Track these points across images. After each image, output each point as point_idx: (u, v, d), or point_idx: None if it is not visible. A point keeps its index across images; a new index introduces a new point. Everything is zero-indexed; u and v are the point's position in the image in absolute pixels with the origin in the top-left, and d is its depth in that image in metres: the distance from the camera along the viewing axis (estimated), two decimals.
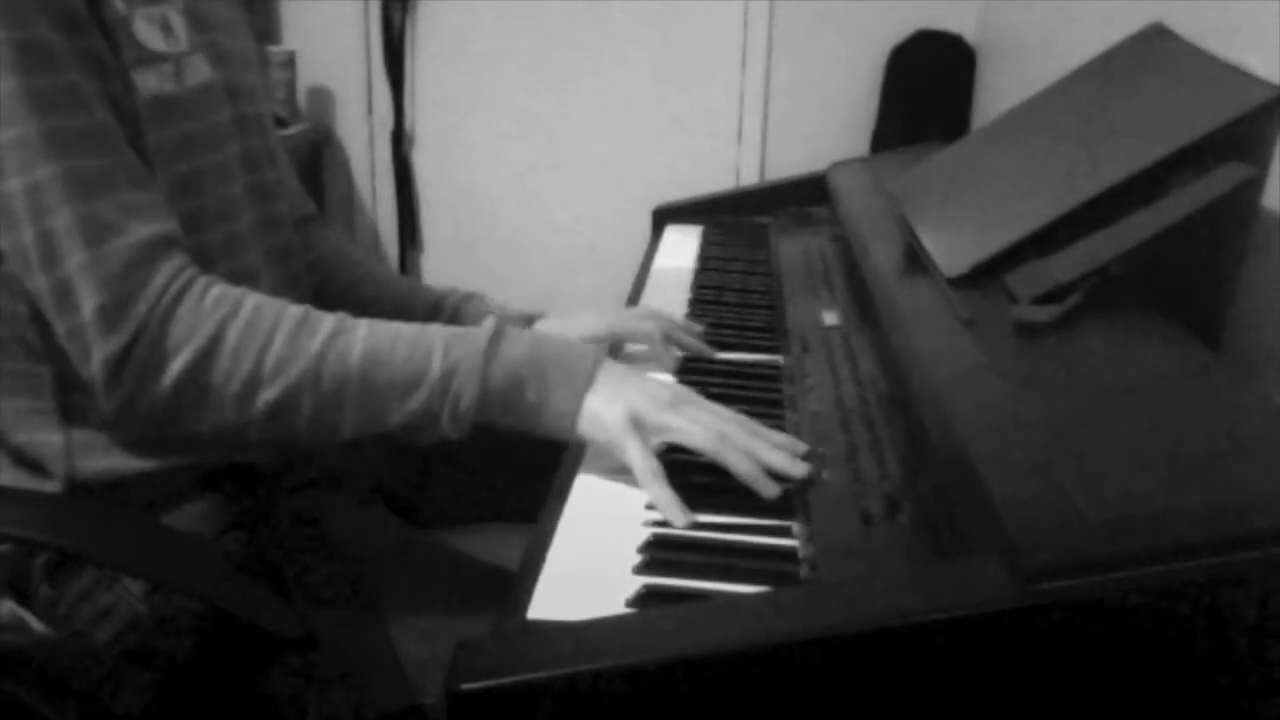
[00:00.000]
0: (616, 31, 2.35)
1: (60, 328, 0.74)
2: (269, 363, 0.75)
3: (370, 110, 2.43)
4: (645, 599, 0.64)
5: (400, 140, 2.43)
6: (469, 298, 1.08)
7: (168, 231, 0.76)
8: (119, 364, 0.73)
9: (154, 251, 0.74)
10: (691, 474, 0.76)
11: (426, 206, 2.51)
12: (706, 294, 1.23)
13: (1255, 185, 0.81)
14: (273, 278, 0.93)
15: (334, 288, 1.07)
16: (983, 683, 0.52)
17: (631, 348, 1.04)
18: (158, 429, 0.77)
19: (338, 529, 0.89)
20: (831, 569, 0.65)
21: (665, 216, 1.58)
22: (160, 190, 0.78)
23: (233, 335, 0.75)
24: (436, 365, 0.77)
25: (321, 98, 2.43)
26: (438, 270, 2.53)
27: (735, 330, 1.10)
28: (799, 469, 0.75)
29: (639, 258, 1.43)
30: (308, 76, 2.40)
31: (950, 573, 0.55)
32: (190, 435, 0.77)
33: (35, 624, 0.78)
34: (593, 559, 0.69)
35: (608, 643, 0.53)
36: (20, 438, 0.80)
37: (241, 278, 0.88)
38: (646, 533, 0.72)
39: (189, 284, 0.75)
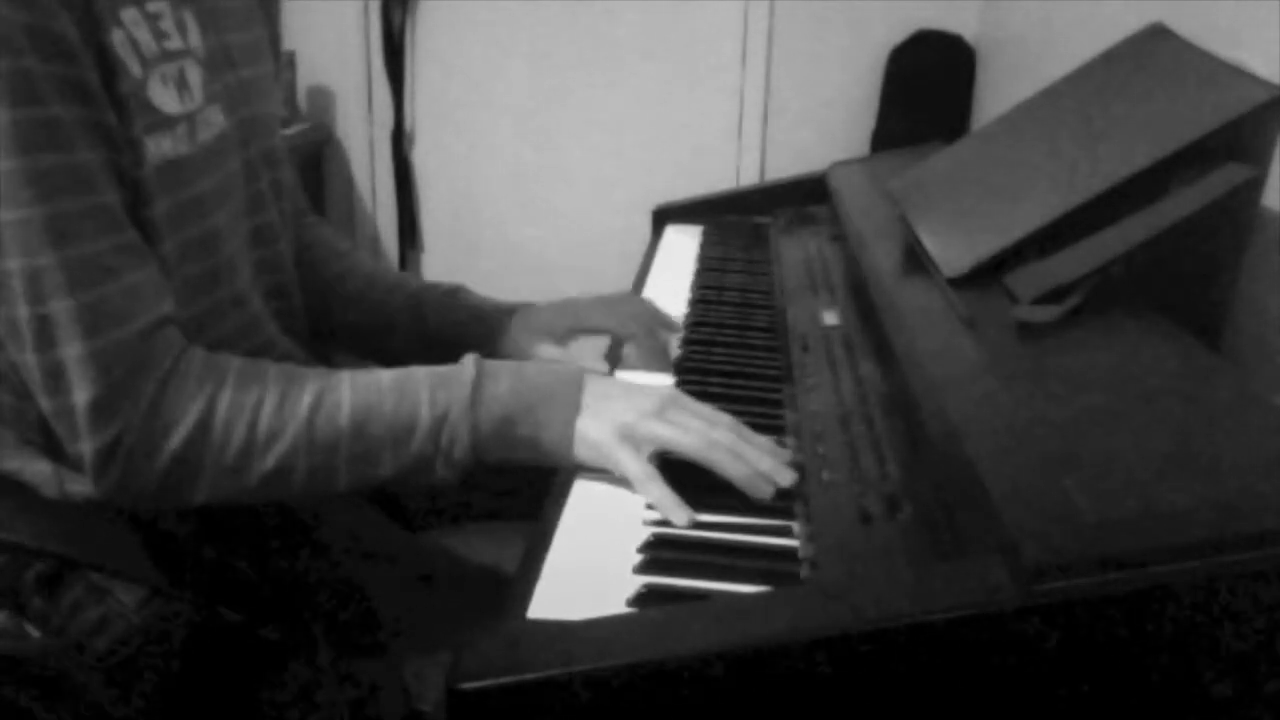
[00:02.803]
0: (616, 31, 2.35)
1: (47, 406, 0.72)
2: (260, 433, 0.75)
3: (370, 110, 2.43)
4: (645, 599, 0.64)
5: (400, 140, 2.43)
6: (452, 293, 1.08)
7: (164, 313, 0.75)
8: (110, 452, 0.72)
9: (150, 339, 0.73)
10: (690, 474, 0.76)
11: (426, 206, 2.51)
12: (706, 294, 1.23)
13: (1255, 185, 0.81)
14: (270, 313, 0.93)
15: (320, 280, 1.07)
16: (982, 683, 0.52)
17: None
18: (151, 505, 0.77)
19: (333, 533, 0.89)
20: (831, 569, 0.65)
21: (665, 216, 1.57)
22: (169, 256, 0.78)
23: (221, 410, 0.74)
24: (425, 414, 0.77)
25: (321, 98, 2.43)
26: (438, 270, 2.53)
27: (735, 330, 1.10)
28: (785, 478, 0.76)
29: (639, 258, 1.43)
30: (308, 76, 2.40)
31: (950, 573, 0.55)
32: (185, 507, 0.77)
33: (33, 631, 0.78)
34: (593, 559, 0.69)
35: (608, 643, 0.53)
36: (11, 464, 0.80)
37: (249, 328, 0.88)
38: (646, 532, 0.72)
39: (176, 361, 0.74)
